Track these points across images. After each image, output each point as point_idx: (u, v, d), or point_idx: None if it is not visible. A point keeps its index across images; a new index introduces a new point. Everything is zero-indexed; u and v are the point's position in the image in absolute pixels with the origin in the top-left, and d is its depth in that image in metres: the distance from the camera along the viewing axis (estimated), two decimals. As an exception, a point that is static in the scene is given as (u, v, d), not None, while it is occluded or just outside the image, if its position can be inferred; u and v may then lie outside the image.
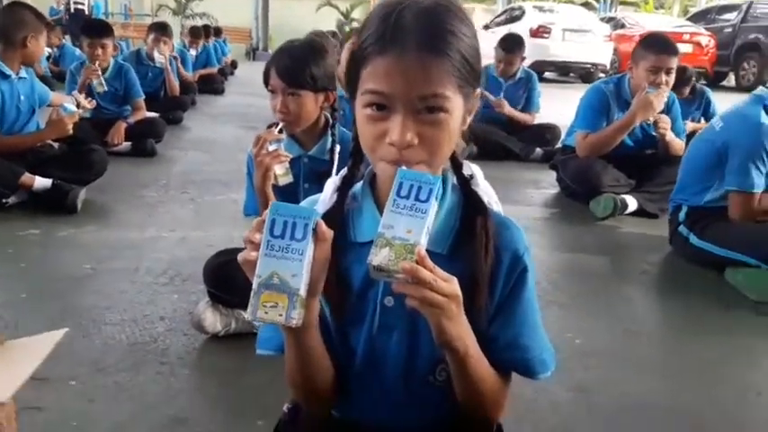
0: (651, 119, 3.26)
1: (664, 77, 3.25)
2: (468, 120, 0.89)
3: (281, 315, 0.74)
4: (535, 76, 5.12)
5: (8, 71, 3.12)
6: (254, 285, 0.74)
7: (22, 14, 3.18)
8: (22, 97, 3.21)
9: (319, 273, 0.78)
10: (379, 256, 0.74)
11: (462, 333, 0.82)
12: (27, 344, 0.89)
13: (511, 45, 4.85)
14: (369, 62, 0.82)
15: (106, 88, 4.26)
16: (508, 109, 4.82)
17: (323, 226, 0.77)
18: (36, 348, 0.83)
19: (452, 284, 0.77)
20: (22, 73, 3.24)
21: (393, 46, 0.79)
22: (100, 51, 4.27)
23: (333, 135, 1.88)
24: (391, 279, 0.76)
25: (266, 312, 0.74)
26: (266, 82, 1.82)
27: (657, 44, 3.31)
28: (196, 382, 1.71)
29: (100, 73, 4.22)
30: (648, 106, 3.21)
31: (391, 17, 0.81)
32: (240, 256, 0.78)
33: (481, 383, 0.88)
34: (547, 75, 12.53)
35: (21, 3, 3.59)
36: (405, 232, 0.75)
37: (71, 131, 3.24)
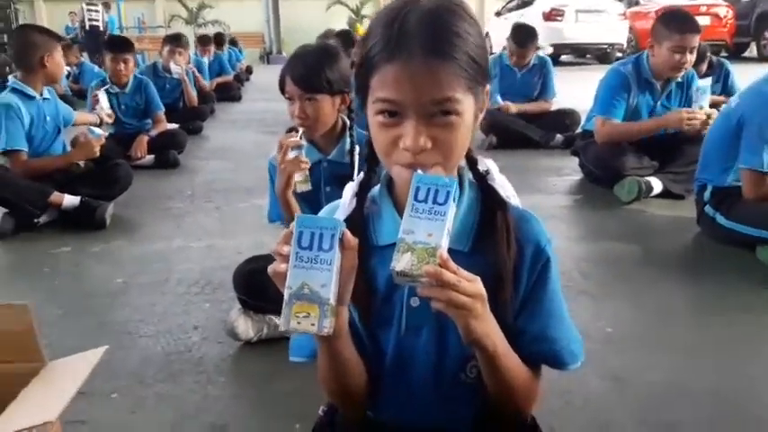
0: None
1: (688, 56, 3.21)
2: (480, 116, 0.89)
3: (313, 325, 0.76)
4: (549, 61, 5.07)
5: (32, 92, 3.18)
6: (286, 296, 0.76)
7: (31, 36, 3.23)
8: (47, 118, 3.28)
9: (347, 281, 0.79)
10: (401, 262, 0.75)
11: (490, 331, 0.82)
12: (69, 363, 0.92)
13: (523, 39, 4.81)
14: (377, 70, 0.82)
15: (109, 111, 4.30)
16: (515, 109, 4.77)
17: (348, 235, 0.78)
18: (78, 367, 0.87)
19: (476, 284, 0.78)
20: (46, 94, 3.31)
21: (399, 53, 0.80)
22: (122, 66, 4.39)
23: (351, 137, 1.89)
24: (415, 283, 0.77)
25: (299, 323, 0.76)
26: (282, 89, 1.83)
27: (680, 22, 3.23)
28: (233, 388, 1.74)
29: (100, 97, 4.24)
30: (679, 122, 3.20)
31: (395, 23, 0.81)
32: (270, 269, 0.79)
33: (512, 379, 0.88)
34: (563, 58, 12.41)
35: (29, 25, 3.67)
36: (425, 236, 0.76)
37: (98, 153, 3.33)
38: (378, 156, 0.89)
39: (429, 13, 0.82)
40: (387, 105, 0.82)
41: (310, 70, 1.76)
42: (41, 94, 3.26)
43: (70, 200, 3.13)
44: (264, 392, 1.71)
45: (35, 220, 3.10)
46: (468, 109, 0.83)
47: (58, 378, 0.86)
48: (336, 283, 0.77)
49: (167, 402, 1.66)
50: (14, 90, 3.15)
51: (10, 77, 3.30)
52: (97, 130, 3.42)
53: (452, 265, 0.76)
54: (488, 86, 0.89)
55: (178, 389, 1.72)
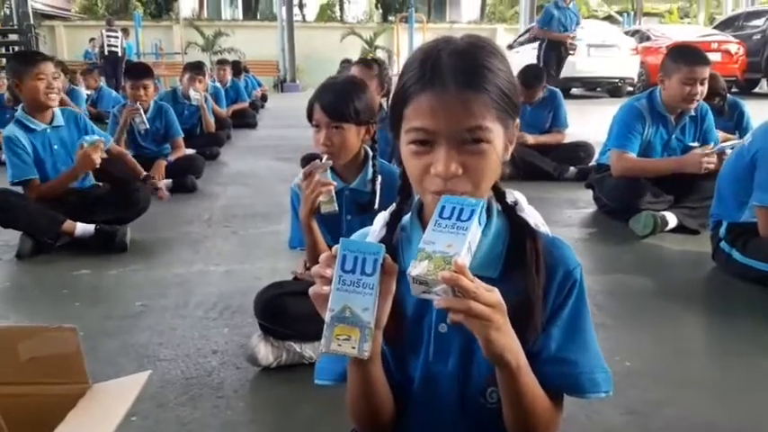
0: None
1: (699, 88, 3.25)
2: (510, 149, 0.92)
3: (353, 348, 0.78)
4: (559, 93, 5.13)
5: (34, 124, 3.16)
6: (327, 319, 0.78)
7: (8, 67, 3.29)
8: (54, 146, 3.22)
9: (385, 305, 0.81)
10: (417, 268, 0.76)
11: (512, 345, 0.83)
12: (114, 386, 0.94)
13: (531, 80, 4.87)
14: (410, 102, 0.87)
15: (148, 126, 4.42)
16: (532, 140, 4.81)
17: (389, 260, 0.81)
18: (124, 390, 0.89)
19: (495, 294, 0.79)
20: (59, 121, 3.26)
21: (433, 84, 0.84)
22: (142, 92, 4.48)
23: (374, 166, 1.93)
24: (431, 295, 0.77)
25: (339, 345, 0.78)
26: (310, 117, 1.88)
27: (690, 55, 3.31)
28: (253, 414, 1.75)
29: (142, 111, 4.38)
30: (697, 166, 3.25)
31: (429, 60, 0.86)
32: (311, 291, 0.82)
33: (533, 403, 0.88)
34: (574, 91, 12.51)
35: (12, 54, 3.75)
36: (445, 246, 0.77)
37: (98, 161, 3.20)
38: (411, 185, 0.93)
39: (462, 49, 0.87)
40: (420, 134, 0.86)
41: (339, 99, 1.82)
42: (50, 122, 3.21)
43: (83, 228, 3.12)
44: (284, 418, 1.72)
45: (51, 241, 3.11)
46: (498, 138, 0.87)
47: (104, 401, 0.88)
48: (376, 307, 0.79)
49: (188, 427, 1.67)
50: (17, 120, 3.16)
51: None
52: (88, 138, 3.26)
53: (469, 274, 0.76)
54: (518, 120, 0.92)
55: (198, 413, 1.73)
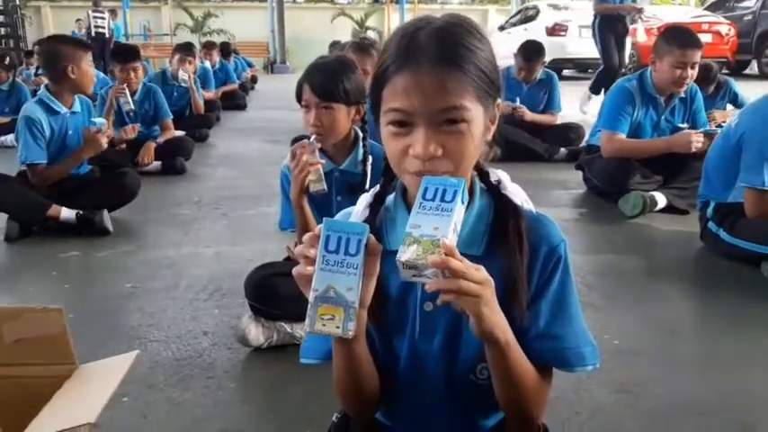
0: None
1: (689, 71, 3.25)
2: (493, 129, 0.91)
3: (338, 327, 0.77)
4: (555, 76, 5.12)
5: (58, 107, 3.15)
6: (311, 299, 0.78)
7: (56, 48, 3.19)
8: (69, 132, 3.21)
9: (369, 285, 0.81)
10: (407, 253, 0.76)
11: (500, 321, 0.83)
12: (101, 366, 0.94)
13: (531, 54, 4.86)
14: (388, 82, 0.85)
15: (133, 107, 4.37)
16: (530, 115, 4.82)
17: (373, 240, 0.80)
18: (111, 370, 0.88)
19: (483, 271, 0.79)
20: (77, 107, 3.25)
21: (409, 64, 0.83)
22: (132, 75, 4.42)
23: (364, 147, 1.92)
24: (421, 279, 0.77)
25: (324, 325, 0.78)
26: (299, 97, 1.86)
27: (682, 38, 3.29)
28: (243, 394, 1.75)
29: (127, 92, 4.33)
30: (687, 145, 3.27)
31: (406, 38, 0.85)
32: (295, 271, 0.81)
33: (522, 378, 0.89)
34: (565, 72, 12.47)
35: (54, 36, 3.70)
36: (432, 229, 0.77)
37: (106, 145, 3.26)
38: (391, 165, 0.92)
39: (439, 28, 0.86)
40: (397, 115, 0.85)
41: (329, 79, 1.80)
42: (71, 107, 3.21)
43: (67, 213, 3.10)
44: (275, 398, 1.73)
45: (36, 228, 3.10)
46: (478, 118, 0.85)
47: (91, 381, 0.87)
48: (360, 286, 0.78)
49: (178, 407, 1.67)
50: (41, 101, 3.14)
51: (41, 87, 3.27)
52: (98, 120, 3.30)
53: (458, 254, 0.77)
54: (500, 100, 0.91)
55: (189, 394, 1.73)
